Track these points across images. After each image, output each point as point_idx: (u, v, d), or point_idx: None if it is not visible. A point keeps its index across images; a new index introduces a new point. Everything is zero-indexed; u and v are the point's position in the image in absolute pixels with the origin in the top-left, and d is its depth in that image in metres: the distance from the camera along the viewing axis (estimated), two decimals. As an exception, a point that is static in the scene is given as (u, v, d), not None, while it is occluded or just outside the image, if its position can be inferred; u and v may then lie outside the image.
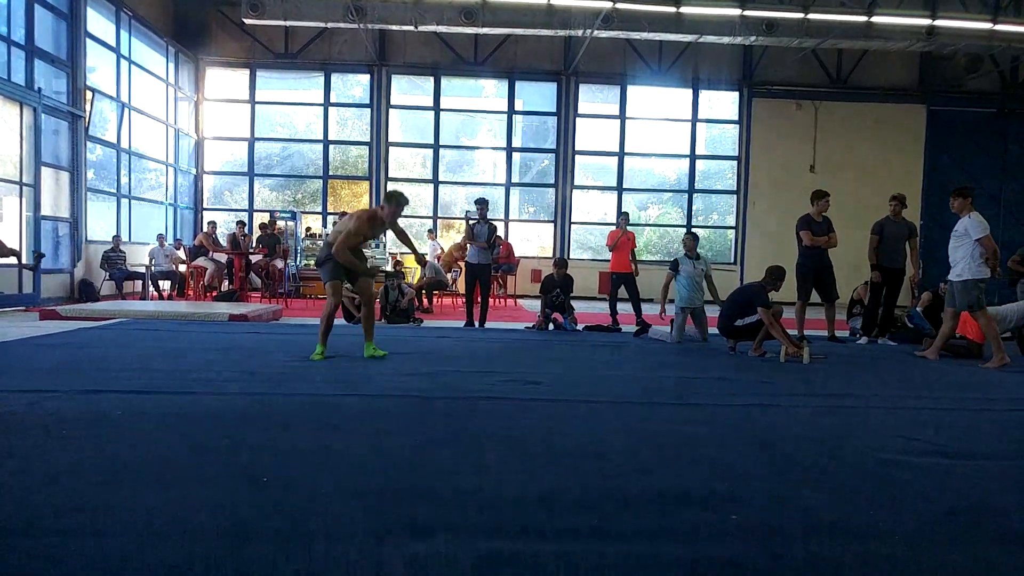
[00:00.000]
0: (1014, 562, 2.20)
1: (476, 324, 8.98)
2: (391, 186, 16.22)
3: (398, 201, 6.03)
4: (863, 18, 13.01)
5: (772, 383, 5.43)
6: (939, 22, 13.06)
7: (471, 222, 9.13)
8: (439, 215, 16.50)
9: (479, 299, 9.13)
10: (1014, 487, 2.99)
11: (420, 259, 6.87)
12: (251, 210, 16.26)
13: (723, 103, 16.86)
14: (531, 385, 4.97)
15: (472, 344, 7.24)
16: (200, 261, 12.74)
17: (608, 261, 10.03)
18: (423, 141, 16.54)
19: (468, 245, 9.06)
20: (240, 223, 13.40)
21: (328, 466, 2.91)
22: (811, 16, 13.21)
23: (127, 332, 7.35)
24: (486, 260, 8.96)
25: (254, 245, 13.24)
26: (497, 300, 12.87)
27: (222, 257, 12.98)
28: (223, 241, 13.40)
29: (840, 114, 16.32)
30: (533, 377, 5.27)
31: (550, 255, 15.85)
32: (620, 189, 16.66)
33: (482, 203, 9.10)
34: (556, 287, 8.95)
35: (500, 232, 14.83)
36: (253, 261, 12.94)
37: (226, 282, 12.93)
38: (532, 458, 3.15)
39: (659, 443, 3.51)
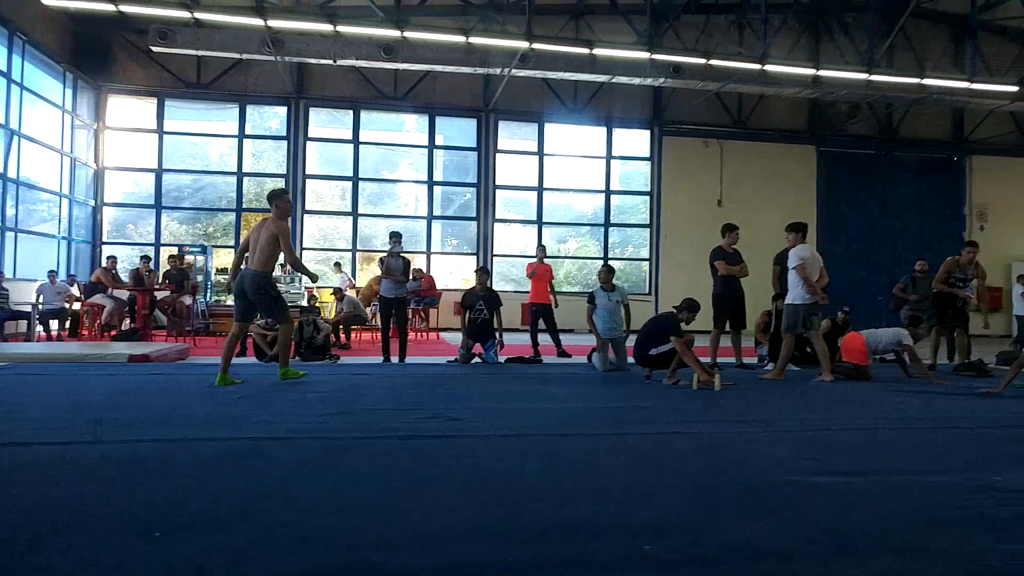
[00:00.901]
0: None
1: (395, 359, 8.85)
2: (308, 220, 15.99)
3: (282, 194, 6.49)
4: (757, 66, 13.90)
5: (687, 410, 5.61)
6: (822, 72, 14.13)
7: (384, 255, 9.02)
8: (358, 248, 16.32)
9: (397, 334, 9.02)
10: (909, 501, 3.20)
11: (312, 276, 7.18)
12: (158, 244, 15.59)
13: (636, 141, 17.56)
14: (452, 421, 4.94)
15: (391, 380, 7.14)
16: (97, 298, 11.98)
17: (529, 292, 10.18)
18: (342, 174, 16.39)
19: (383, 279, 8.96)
20: (144, 258, 12.80)
21: (237, 513, 2.79)
22: (712, 62, 14.01)
23: (4, 378, 6.77)
24: (401, 293, 8.85)
25: (160, 280, 12.66)
26: (419, 334, 12.77)
27: (123, 294, 12.29)
28: (125, 277, 12.73)
29: (743, 152, 17.29)
30: (454, 413, 5.24)
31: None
32: (540, 223, 16.99)
33: (396, 236, 9.04)
34: (479, 300, 8.86)
35: (421, 265, 14.84)
36: (159, 298, 12.35)
37: (127, 320, 12.26)
38: (452, 495, 3.13)
39: (579, 474, 3.55)
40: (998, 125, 18.23)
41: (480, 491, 3.18)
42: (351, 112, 16.21)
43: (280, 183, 16.09)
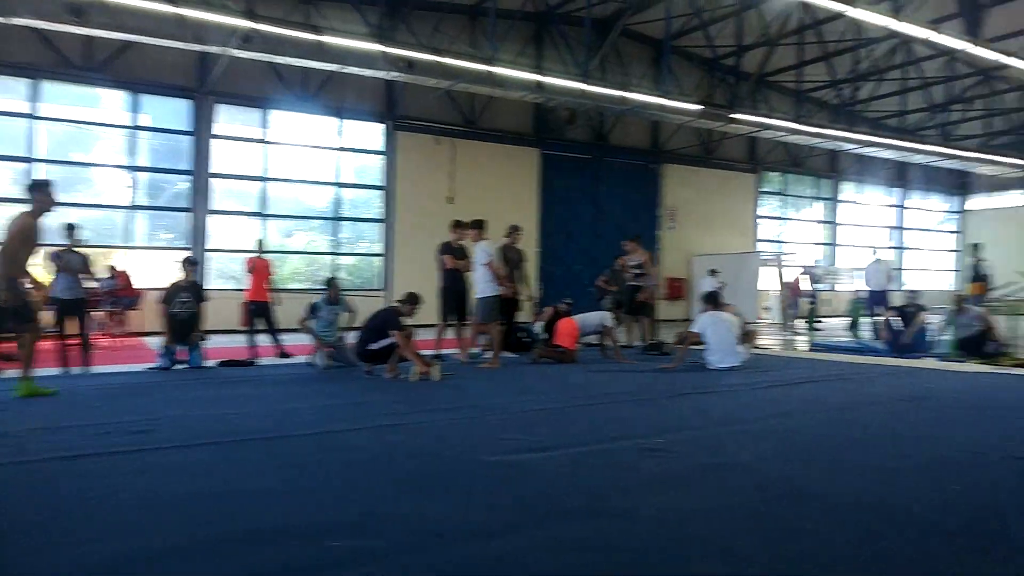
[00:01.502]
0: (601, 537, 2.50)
1: (77, 368, 7.56)
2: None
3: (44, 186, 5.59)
4: (486, 67, 14.49)
5: (403, 403, 5.60)
6: (544, 78, 15.17)
7: (59, 250, 7.72)
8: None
9: (79, 339, 7.69)
10: (588, 469, 3.47)
11: None
12: None
13: (369, 134, 17.30)
14: (139, 435, 4.35)
15: (72, 394, 6.13)
16: None
17: (251, 290, 9.48)
18: (15, 153, 13.81)
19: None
20: None
21: None
22: (444, 59, 14.29)
23: None
24: (80, 294, 7.62)
25: None
26: (116, 339, 11.26)
27: None
28: None
29: (474, 151, 17.94)
30: (143, 425, 4.63)
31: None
32: (264, 215, 15.96)
33: (71, 228, 7.84)
34: (182, 292, 8.00)
35: (119, 262, 13.06)
36: None
37: None
38: (136, 514, 2.73)
39: (287, 478, 3.36)
40: (686, 138, 21.18)
41: (171, 509, 2.84)
42: (29, 81, 13.73)
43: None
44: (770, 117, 18.74)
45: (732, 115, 17.82)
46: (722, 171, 22.76)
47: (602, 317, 9.27)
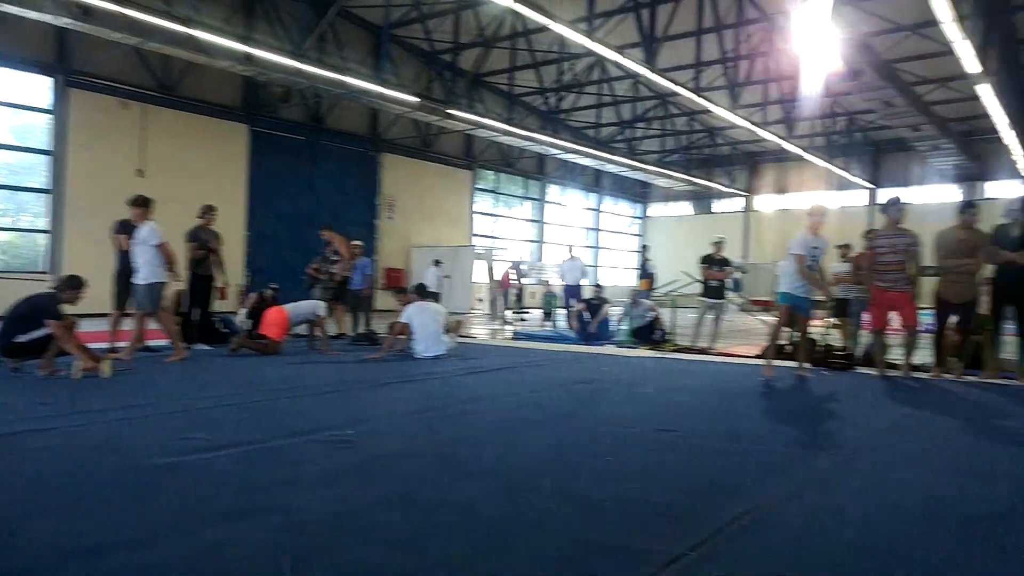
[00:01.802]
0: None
1: None
2: None
3: None
4: (184, 28, 12.97)
5: (54, 403, 4.76)
6: (254, 51, 14.06)
7: None
8: None
9: None
10: (262, 465, 3.18)
11: None
12: None
13: (32, 87, 14.49)
14: None
15: None
16: None
17: None
18: None
19: None
20: None
21: None
22: (130, 12, 12.46)
23: None
24: None
25: None
26: None
27: None
28: None
29: (170, 121, 16.04)
30: None
31: None
32: None
33: None
34: None
35: None
36: None
37: None
38: None
39: None
40: (405, 129, 21.29)
41: None
42: None
43: None
44: (484, 116, 19.67)
45: (448, 110, 18.34)
46: (440, 165, 23.39)
47: (315, 306, 8.85)
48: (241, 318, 9.57)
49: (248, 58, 14.23)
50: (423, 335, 7.99)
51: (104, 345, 7.40)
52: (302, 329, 9.08)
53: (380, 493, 2.86)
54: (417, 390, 5.86)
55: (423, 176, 22.62)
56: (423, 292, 8.71)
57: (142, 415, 4.44)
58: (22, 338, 6.12)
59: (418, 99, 17.47)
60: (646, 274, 15.87)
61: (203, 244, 8.50)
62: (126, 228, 7.79)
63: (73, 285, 6.52)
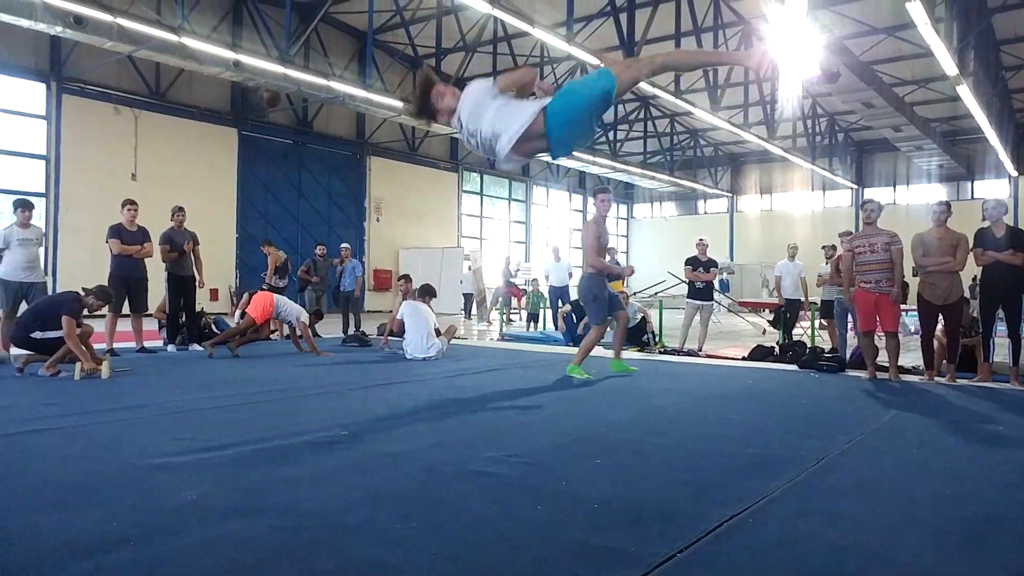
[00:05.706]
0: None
1: None
2: None
3: None
4: (174, 37, 13.28)
5: (57, 404, 5.00)
6: (242, 57, 14.35)
7: None
8: None
9: None
10: (244, 467, 3.49)
11: None
12: None
13: (27, 94, 14.77)
14: None
15: None
16: None
17: None
18: None
19: None
20: None
21: None
22: (123, 21, 12.78)
23: None
24: None
25: None
26: None
27: None
28: None
29: (161, 126, 16.35)
30: None
31: None
32: None
33: None
34: None
35: None
36: None
37: None
38: None
39: None
40: (391, 132, 21.62)
41: None
42: None
43: None
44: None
45: (434, 115, 18.61)
46: (427, 168, 23.72)
47: (300, 313, 8.92)
48: (236, 320, 9.75)
49: (236, 64, 14.52)
50: (415, 336, 8.09)
51: (102, 346, 7.62)
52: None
53: (376, 492, 2.94)
54: (408, 391, 5.93)
55: (410, 178, 22.94)
56: (425, 292, 8.72)
57: (142, 415, 4.56)
58: (37, 335, 6.32)
59: (403, 103, 17.77)
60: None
61: (176, 246, 8.65)
62: (117, 232, 8.07)
63: (101, 295, 6.64)
